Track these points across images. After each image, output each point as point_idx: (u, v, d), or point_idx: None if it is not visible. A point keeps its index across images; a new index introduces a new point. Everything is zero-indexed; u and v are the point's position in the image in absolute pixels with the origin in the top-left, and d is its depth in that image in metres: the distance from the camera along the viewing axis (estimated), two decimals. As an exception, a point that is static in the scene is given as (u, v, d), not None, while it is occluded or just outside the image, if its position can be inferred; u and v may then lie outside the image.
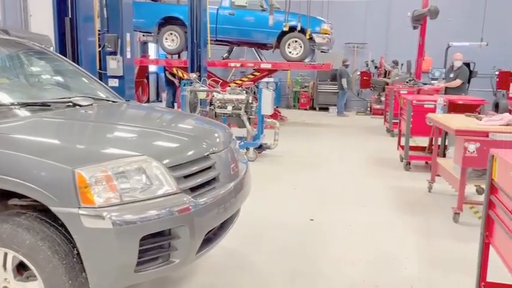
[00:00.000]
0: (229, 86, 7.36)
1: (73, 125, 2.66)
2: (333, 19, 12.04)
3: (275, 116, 10.24)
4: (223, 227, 2.69)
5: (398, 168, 6.38)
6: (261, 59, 12.12)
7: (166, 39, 10.94)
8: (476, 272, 2.45)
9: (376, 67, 14.58)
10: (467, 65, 12.27)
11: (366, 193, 5.18)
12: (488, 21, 13.23)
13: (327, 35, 10.18)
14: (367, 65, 14.76)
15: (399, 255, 3.45)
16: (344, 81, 13.21)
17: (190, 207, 2.21)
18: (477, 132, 4.03)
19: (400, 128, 7.12)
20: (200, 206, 2.28)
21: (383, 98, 12.64)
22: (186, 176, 2.33)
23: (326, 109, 14.43)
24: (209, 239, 2.51)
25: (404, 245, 3.65)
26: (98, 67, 5.82)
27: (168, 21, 10.91)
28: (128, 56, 6.03)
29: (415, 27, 11.13)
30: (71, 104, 2.86)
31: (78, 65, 4.37)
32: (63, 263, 2.02)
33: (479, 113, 5.46)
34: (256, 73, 11.02)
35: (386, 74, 13.87)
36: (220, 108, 6.65)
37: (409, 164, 6.30)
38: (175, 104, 11.95)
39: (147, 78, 14.80)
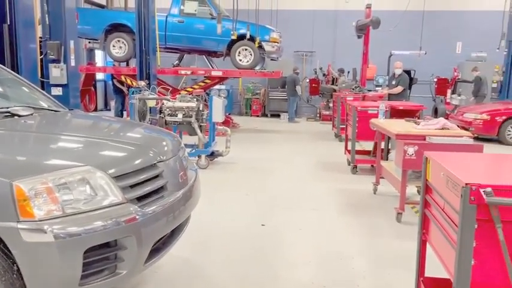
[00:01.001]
0: (180, 93, 7.30)
1: (12, 136, 2.55)
2: (282, 28, 12.33)
3: (227, 123, 10.28)
4: (172, 235, 2.67)
5: (346, 172, 6.61)
6: (212, 66, 12.14)
7: (114, 46, 10.69)
8: (416, 267, 2.61)
9: (324, 74, 15.05)
10: (408, 72, 12.97)
11: (316, 197, 5.32)
12: (426, 31, 14.08)
13: (276, 44, 10.39)
14: (315, 72, 15.19)
15: (347, 255, 3.59)
16: (298, 88, 13.74)
17: (137, 217, 2.19)
18: (415, 136, 4.28)
19: (347, 133, 7.39)
20: (148, 215, 2.26)
21: (331, 105, 13.06)
22: (133, 186, 2.30)
23: (278, 116, 14.67)
24: (158, 249, 2.49)
25: (351, 245, 3.80)
26: (39, 75, 5.58)
27: (116, 28, 10.68)
28: (72, 63, 5.85)
29: (359, 37, 11.64)
30: (9, 114, 2.73)
31: (18, 73, 4.19)
32: (2, 280, 1.93)
33: (418, 118, 5.80)
34: (207, 80, 11.01)
35: (334, 81, 14.35)
36: (171, 116, 6.58)
37: (356, 167, 6.54)
38: (124, 113, 11.67)
39: (95, 86, 14.33)
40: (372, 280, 3.17)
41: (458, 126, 6.49)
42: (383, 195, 5.29)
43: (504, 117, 9.69)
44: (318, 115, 14.49)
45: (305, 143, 9.63)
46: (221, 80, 11.44)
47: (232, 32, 10.06)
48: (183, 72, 11.33)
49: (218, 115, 6.75)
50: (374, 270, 3.32)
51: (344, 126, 8.06)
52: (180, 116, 6.55)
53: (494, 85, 13.03)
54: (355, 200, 5.18)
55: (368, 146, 7.26)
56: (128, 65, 11.94)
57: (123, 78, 10.90)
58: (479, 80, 11.67)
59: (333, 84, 14.16)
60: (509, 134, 9.67)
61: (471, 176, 1.91)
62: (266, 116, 15.09)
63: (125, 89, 11.46)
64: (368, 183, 5.60)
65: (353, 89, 10.94)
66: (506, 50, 11.92)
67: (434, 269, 2.41)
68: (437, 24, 14.45)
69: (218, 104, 6.74)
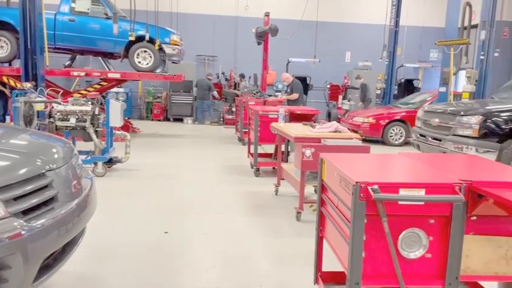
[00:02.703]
0: (72, 96, 6.78)
1: None
2: (183, 31, 12.20)
3: (126, 127, 9.85)
4: (65, 250, 2.46)
5: (249, 175, 6.75)
6: (108, 68, 11.52)
7: (-6, 45, 9.57)
8: (314, 263, 2.75)
9: (226, 79, 15.23)
10: (304, 78, 13.76)
11: (220, 200, 5.34)
12: (320, 41, 15.06)
13: (177, 46, 10.23)
14: (218, 77, 15.30)
15: (250, 256, 3.65)
16: (215, 93, 14.26)
17: (22, 232, 1.97)
18: (312, 139, 4.53)
19: (250, 136, 7.55)
20: (35, 229, 2.05)
21: (234, 109, 13.26)
22: (17, 198, 2.07)
23: (181, 120, 14.45)
24: (48, 266, 2.27)
25: (254, 247, 3.88)
26: None
27: (-4, 25, 9.57)
28: None
29: (259, 43, 12.01)
30: None
31: None
32: None
33: (314, 122, 6.15)
34: (103, 83, 10.41)
35: (236, 85, 14.61)
36: (62, 120, 6.08)
37: (259, 170, 6.71)
38: (8, 117, 10.48)
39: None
40: (275, 279, 3.27)
41: (349, 129, 7.05)
42: (284, 196, 5.50)
43: (387, 121, 10.75)
44: (222, 119, 14.61)
45: (209, 147, 9.63)
46: (119, 82, 10.91)
47: (129, 33, 9.66)
48: (75, 73, 10.56)
49: (116, 119, 6.42)
50: (276, 269, 3.43)
51: (247, 130, 8.22)
52: (73, 120, 6.08)
53: (378, 91, 14.42)
54: (258, 202, 5.31)
55: (270, 149, 7.50)
56: (10, 65, 10.75)
57: (5, 79, 9.79)
58: (364, 86, 12.86)
59: (235, 88, 14.41)
60: (391, 136, 10.75)
61: (360, 175, 2.07)
62: (168, 120, 14.77)
63: (7, 91, 10.30)
64: (270, 185, 5.77)
65: (254, 94, 11.23)
66: (387, 60, 13.28)
67: (332, 263, 2.56)
68: (329, 34, 15.53)
69: (116, 108, 6.40)
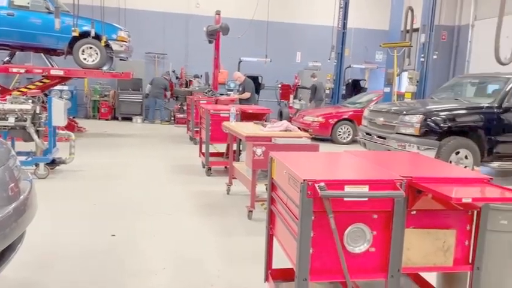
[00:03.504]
0: (11, 94, 6.39)
1: None
2: (131, 28, 11.86)
3: (71, 127, 9.45)
4: (2, 257, 2.32)
5: (201, 174, 6.69)
6: (51, 65, 10.97)
7: None
8: (264, 261, 2.78)
9: (177, 77, 15.00)
10: (256, 78, 13.85)
11: (171, 201, 5.25)
12: (271, 40, 15.21)
13: (125, 43, 9.93)
14: (168, 75, 15.02)
15: (201, 257, 3.62)
16: (169, 94, 14.02)
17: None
18: (263, 138, 4.56)
19: (201, 135, 7.48)
20: (-34, 237, 1.91)
21: (185, 108, 13.09)
22: None
23: (129, 119, 14.06)
24: (-17, 275, 2.13)
25: (206, 247, 3.85)
26: None
27: None
28: None
29: (210, 42, 11.93)
30: None
31: None
32: None
33: (265, 121, 6.21)
34: (45, 80, 9.90)
35: (187, 84, 14.43)
36: (0, 120, 5.72)
37: (210, 169, 6.68)
38: None
39: None
40: (226, 278, 3.26)
41: (299, 128, 7.19)
42: (236, 195, 5.51)
43: (335, 120, 11.07)
44: (173, 118, 14.38)
45: (159, 146, 9.44)
46: (63, 80, 10.44)
47: (73, 29, 9.24)
48: (15, 70, 9.96)
49: (59, 118, 6.12)
50: (227, 269, 3.42)
51: (198, 129, 8.15)
52: (11, 119, 5.73)
53: (328, 91, 14.80)
54: (209, 201, 5.28)
55: (221, 148, 7.48)
56: None
57: None
58: (314, 87, 13.19)
59: (186, 87, 14.23)
60: (339, 134, 11.07)
61: (308, 173, 2.11)
62: (116, 119, 14.31)
63: None
64: (222, 184, 5.76)
65: (206, 93, 11.15)
66: (336, 60, 13.66)
67: (283, 261, 2.59)
68: (280, 35, 15.73)
69: (59, 106, 6.11)
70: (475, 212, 2.17)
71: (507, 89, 6.78)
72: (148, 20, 14.86)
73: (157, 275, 3.25)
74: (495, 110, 6.67)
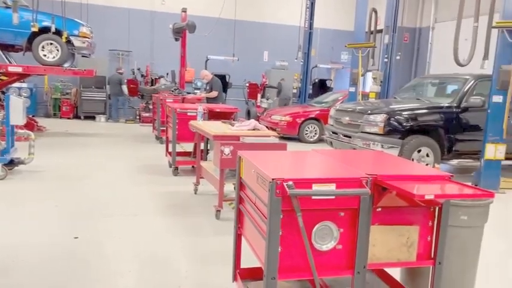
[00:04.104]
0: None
1: None
2: (94, 24, 11.50)
3: (30, 126, 9.09)
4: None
5: (168, 174, 6.59)
6: (9, 61, 10.48)
7: None
8: (232, 260, 2.76)
9: (142, 75, 14.71)
10: (223, 76, 13.78)
11: (137, 202, 5.14)
12: (238, 39, 15.21)
13: (87, 39, 9.63)
14: (133, 72, 14.72)
15: (168, 258, 3.56)
16: (124, 88, 13.42)
17: None
18: (230, 137, 4.54)
19: (167, 135, 7.38)
20: None
21: (151, 106, 12.86)
22: None
23: (93, 118, 13.67)
24: None
25: (173, 248, 3.79)
26: None
27: None
28: None
29: (176, 39, 11.78)
30: None
31: None
32: None
33: (233, 120, 6.18)
34: (3, 77, 9.45)
35: (153, 82, 14.17)
36: (-48, 118, 5.42)
37: (177, 169, 6.59)
38: None
39: None
40: (194, 279, 3.23)
41: (267, 127, 7.20)
42: (203, 195, 5.46)
43: (302, 119, 11.19)
44: (138, 117, 14.10)
45: (125, 146, 9.22)
46: (21, 77, 10.01)
47: (32, 24, 8.87)
48: (-31, 66, 9.47)
49: (17, 117, 5.86)
50: (195, 269, 3.39)
51: (164, 128, 8.02)
52: (-35, 118, 5.45)
53: (295, 91, 14.94)
54: (176, 202, 5.21)
55: (189, 147, 7.40)
56: None
57: None
58: (280, 85, 13.31)
59: (152, 85, 13.97)
60: (306, 133, 11.20)
61: (276, 172, 2.11)
62: (79, 118, 13.88)
63: None
64: (189, 184, 5.69)
65: (172, 91, 10.99)
66: (303, 60, 13.81)
67: (251, 260, 2.58)
68: (247, 33, 15.73)
69: (17, 105, 5.85)
70: (437, 208, 2.24)
71: (465, 89, 7.08)
72: (112, 16, 14.49)
73: (123, 277, 3.18)
74: (454, 110, 6.95)
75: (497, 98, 6.26)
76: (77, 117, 13.94)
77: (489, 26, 6.48)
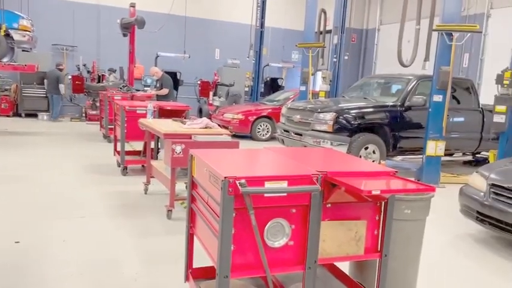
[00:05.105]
0: None
1: None
2: (36, 17, 10.95)
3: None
4: None
5: (116, 174, 6.39)
6: None
7: None
8: (185, 260, 2.73)
9: (88, 71, 14.13)
10: (174, 74, 13.56)
11: (84, 203, 4.94)
12: (189, 36, 15.00)
13: (28, 32, 9.11)
14: (78, 69, 14.10)
15: (117, 260, 3.46)
16: (62, 87, 12.57)
17: None
18: (182, 135, 4.48)
19: (116, 133, 7.15)
20: None
21: (98, 104, 12.38)
22: None
23: (35, 115, 12.95)
24: None
25: (122, 249, 3.68)
26: None
27: None
28: None
29: (124, 35, 11.41)
30: None
31: None
32: None
33: (185, 118, 6.10)
34: None
35: (100, 79, 13.65)
36: None
37: (126, 168, 6.40)
38: None
39: None
40: (145, 280, 3.15)
41: (219, 125, 7.18)
42: (154, 194, 5.35)
43: (255, 117, 11.25)
44: (84, 115, 13.53)
45: (70, 145, 8.82)
46: (-46, 72, 9.29)
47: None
48: None
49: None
50: (146, 270, 3.31)
51: (113, 126, 7.76)
52: None
53: (247, 89, 14.98)
54: (126, 202, 5.06)
55: (138, 146, 7.20)
56: None
57: None
58: (230, 85, 13.33)
59: (99, 82, 13.45)
60: (259, 131, 11.28)
61: (229, 170, 2.11)
62: (19, 115, 13.09)
63: None
64: (139, 184, 5.55)
65: (121, 88, 10.65)
66: (254, 59, 13.88)
67: (204, 260, 2.56)
68: (198, 30, 15.57)
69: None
70: (383, 203, 2.34)
71: (408, 89, 7.43)
72: (55, 9, 13.81)
73: (69, 282, 3.04)
74: (398, 108, 7.28)
75: (437, 97, 6.62)
76: (17, 115, 13.14)
77: (430, 29, 6.85)
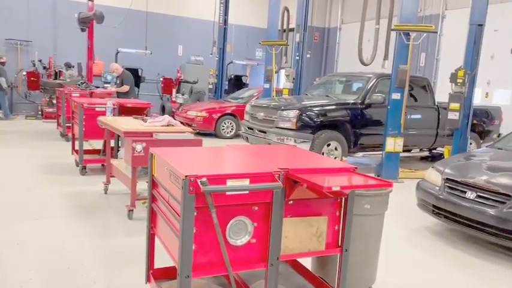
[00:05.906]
0: None
1: None
2: (-14, 9, 10.36)
3: None
4: None
5: (75, 174, 6.17)
6: None
7: None
8: (145, 261, 2.67)
9: (45, 67, 13.55)
10: (136, 70, 13.25)
11: (39, 205, 4.73)
12: (151, 32, 14.69)
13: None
14: (34, 64, 13.49)
15: (76, 263, 3.34)
16: (3, 81, 11.89)
17: None
18: (143, 133, 4.38)
19: (74, 131, 6.90)
20: None
21: (55, 101, 11.89)
22: None
23: (-15, 114, 12.29)
24: None
25: (80, 251, 3.56)
26: None
27: None
28: None
29: (83, 30, 11.02)
30: None
31: None
32: None
33: (146, 116, 5.97)
34: None
35: (57, 75, 13.13)
36: None
37: (85, 168, 6.20)
38: None
39: None
40: (104, 283, 3.06)
41: (182, 123, 7.09)
42: (115, 194, 5.21)
43: (219, 115, 11.18)
44: (40, 113, 12.97)
45: (25, 144, 8.43)
46: None
47: None
48: None
49: None
50: (106, 273, 3.21)
51: (70, 124, 7.49)
52: None
53: (211, 86, 14.87)
54: (84, 202, 4.89)
55: (98, 144, 6.99)
56: None
57: None
58: (194, 83, 13.19)
59: (56, 78, 12.92)
60: (223, 129, 11.22)
61: (190, 169, 2.07)
62: (-31, 113, 12.40)
63: None
64: (99, 184, 5.39)
65: (79, 85, 10.28)
66: (218, 56, 13.79)
67: (166, 260, 2.51)
68: (160, 26, 15.27)
69: None
70: (343, 199, 2.38)
71: (368, 87, 7.61)
72: (8, 1, 13.13)
73: (28, 286, 2.91)
74: (359, 106, 7.44)
75: (395, 95, 6.82)
76: (-35, 112, 12.44)
77: (388, 29, 7.04)
